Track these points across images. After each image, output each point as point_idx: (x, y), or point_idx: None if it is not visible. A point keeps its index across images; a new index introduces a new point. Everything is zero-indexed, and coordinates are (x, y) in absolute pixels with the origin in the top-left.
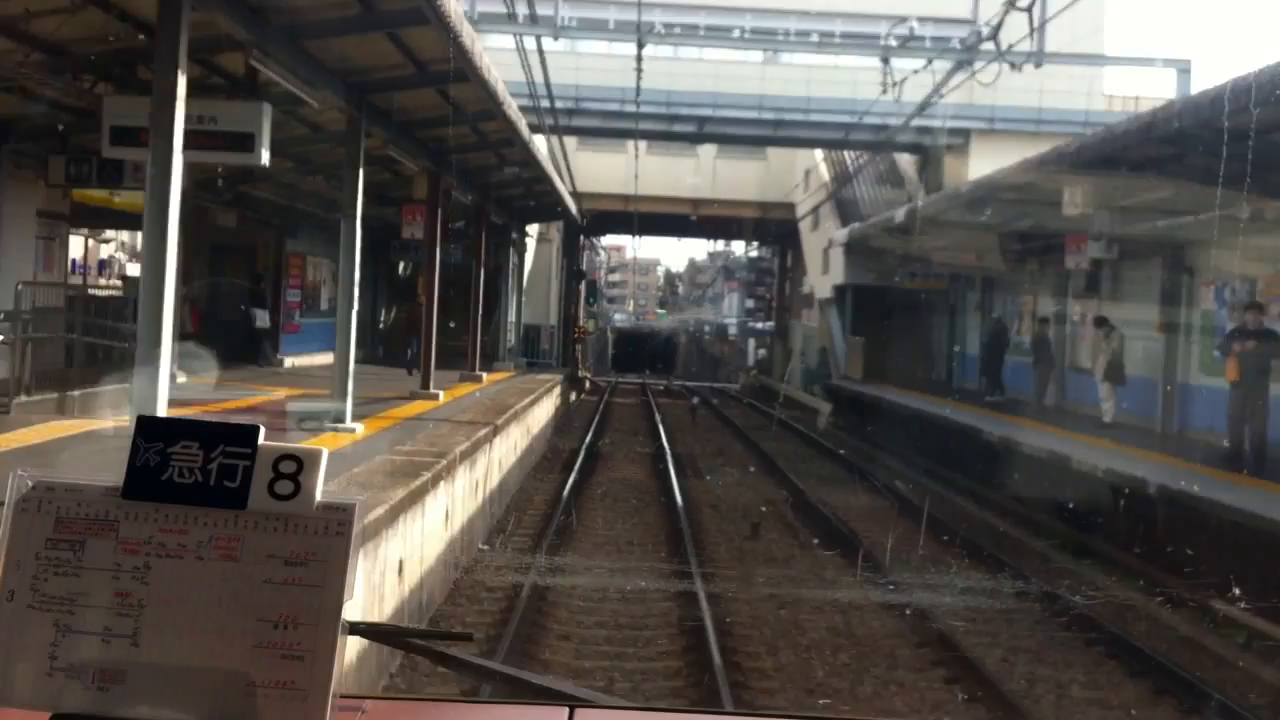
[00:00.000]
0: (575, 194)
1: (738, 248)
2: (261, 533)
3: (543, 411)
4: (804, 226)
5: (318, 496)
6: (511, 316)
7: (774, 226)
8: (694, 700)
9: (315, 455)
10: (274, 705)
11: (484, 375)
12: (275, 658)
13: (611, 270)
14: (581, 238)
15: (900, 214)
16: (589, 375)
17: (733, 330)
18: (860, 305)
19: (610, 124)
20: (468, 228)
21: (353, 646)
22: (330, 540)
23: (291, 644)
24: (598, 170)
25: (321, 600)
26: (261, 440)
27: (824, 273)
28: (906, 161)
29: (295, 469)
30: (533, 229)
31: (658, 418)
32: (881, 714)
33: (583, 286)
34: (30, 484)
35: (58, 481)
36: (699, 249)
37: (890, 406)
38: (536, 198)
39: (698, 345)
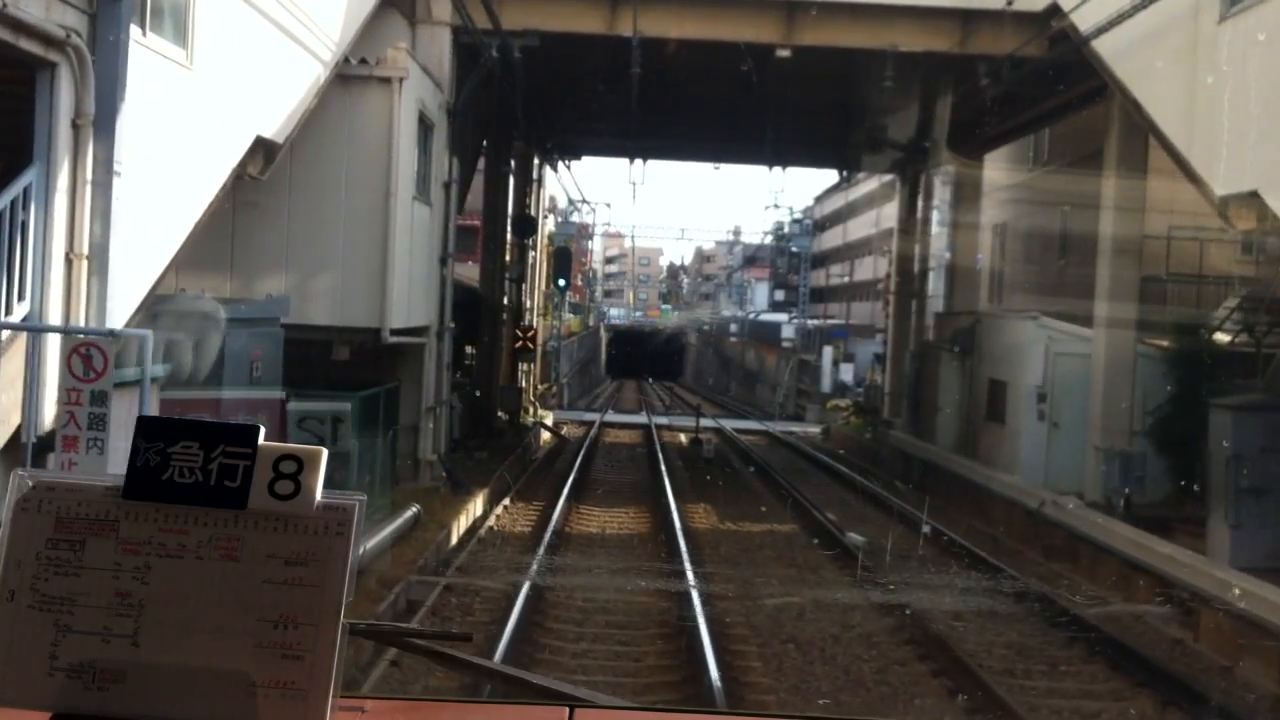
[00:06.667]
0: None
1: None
2: (262, 533)
3: None
4: (1114, 52)
5: (318, 496)
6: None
7: (974, 74)
8: None
9: (316, 455)
10: (274, 705)
11: None
12: (275, 658)
13: (609, 261)
14: (537, 160)
15: None
16: (545, 423)
17: (787, 332)
18: None
19: None
20: None
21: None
22: (330, 540)
23: (291, 644)
24: None
25: (321, 600)
26: (261, 440)
27: None
28: None
29: (296, 469)
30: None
31: None
32: (881, 714)
33: (536, 252)
34: (30, 484)
35: (58, 481)
36: (737, 204)
37: None
38: None
39: (717, 350)
